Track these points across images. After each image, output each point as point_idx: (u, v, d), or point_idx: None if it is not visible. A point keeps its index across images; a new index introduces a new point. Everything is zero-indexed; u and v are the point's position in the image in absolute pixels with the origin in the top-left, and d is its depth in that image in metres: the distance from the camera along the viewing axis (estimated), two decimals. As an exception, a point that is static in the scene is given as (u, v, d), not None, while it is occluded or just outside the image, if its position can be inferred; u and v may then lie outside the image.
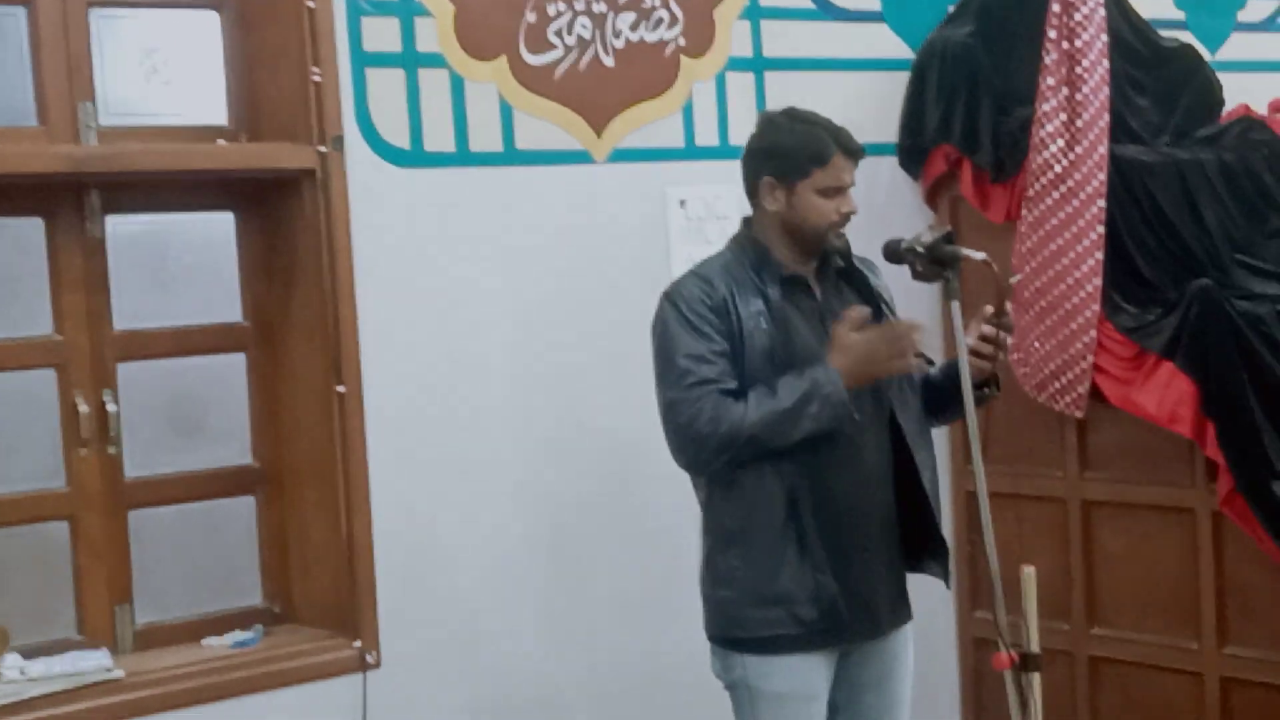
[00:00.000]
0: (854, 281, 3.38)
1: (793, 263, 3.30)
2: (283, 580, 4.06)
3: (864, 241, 3.36)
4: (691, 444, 3.18)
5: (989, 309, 3.22)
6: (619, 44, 4.29)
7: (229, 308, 4.02)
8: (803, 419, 3.12)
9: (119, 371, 3.83)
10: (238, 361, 4.03)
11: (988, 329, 3.23)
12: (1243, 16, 5.65)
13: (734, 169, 4.25)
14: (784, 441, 3.15)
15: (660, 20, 4.35)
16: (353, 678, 3.87)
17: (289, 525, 4.04)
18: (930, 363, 3.52)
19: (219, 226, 4.00)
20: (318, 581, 3.98)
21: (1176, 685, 4.35)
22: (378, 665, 3.90)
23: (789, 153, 3.26)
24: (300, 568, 4.03)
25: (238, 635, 3.89)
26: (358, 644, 3.88)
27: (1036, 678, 2.99)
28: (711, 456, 3.18)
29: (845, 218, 3.28)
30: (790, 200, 3.26)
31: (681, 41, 4.40)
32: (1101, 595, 4.54)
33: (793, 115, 3.33)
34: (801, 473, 3.20)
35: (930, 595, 3.51)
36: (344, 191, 3.87)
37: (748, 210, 3.43)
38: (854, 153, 3.28)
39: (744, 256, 3.30)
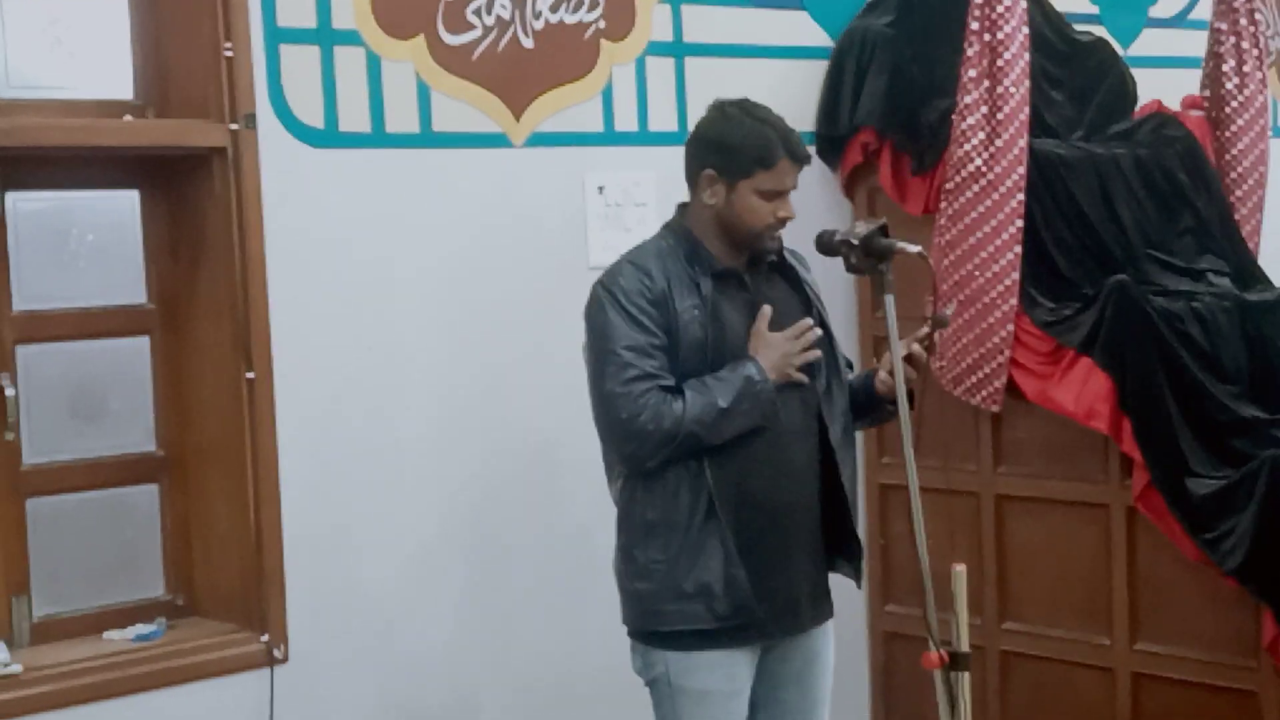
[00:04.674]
0: (786, 274, 3.34)
1: (725, 256, 3.25)
2: (187, 571, 3.96)
3: (784, 230, 3.29)
4: (633, 440, 3.14)
5: (922, 331, 3.21)
6: (538, 25, 4.21)
7: (133, 289, 3.91)
8: (736, 416, 3.12)
9: (18, 354, 3.72)
10: (142, 345, 3.92)
11: (914, 348, 3.21)
12: (1154, 12, 5.68)
13: (653, 155, 4.21)
14: (718, 439, 3.14)
15: (581, 2, 4.28)
16: (260, 673, 3.78)
17: (194, 515, 3.94)
18: (849, 366, 3.49)
19: (123, 204, 3.90)
20: (223, 573, 3.88)
21: (1088, 681, 4.35)
22: (285, 660, 3.81)
23: (735, 149, 3.18)
24: (205, 559, 3.93)
25: (140, 628, 3.79)
26: (265, 638, 3.79)
27: (965, 677, 2.98)
28: (652, 452, 3.15)
29: (781, 222, 3.23)
30: (729, 197, 3.20)
31: (602, 24, 4.33)
32: (1014, 590, 4.54)
33: (746, 109, 3.24)
34: (724, 467, 3.17)
35: (840, 588, 3.47)
36: (255, 171, 3.77)
37: (667, 197, 3.37)
38: (801, 159, 3.22)
39: (677, 246, 3.24)
